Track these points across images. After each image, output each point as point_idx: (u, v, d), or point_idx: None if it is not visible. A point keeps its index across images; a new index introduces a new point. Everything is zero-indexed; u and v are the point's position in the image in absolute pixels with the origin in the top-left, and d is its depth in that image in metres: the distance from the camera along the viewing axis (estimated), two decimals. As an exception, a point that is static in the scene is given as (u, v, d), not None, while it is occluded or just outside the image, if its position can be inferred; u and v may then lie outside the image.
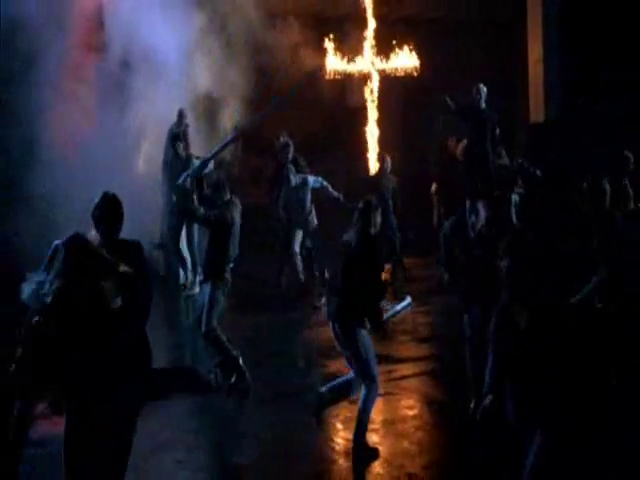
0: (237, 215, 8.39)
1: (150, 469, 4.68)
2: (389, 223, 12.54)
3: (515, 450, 6.31)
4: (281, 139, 12.66)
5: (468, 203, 7.72)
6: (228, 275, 8.44)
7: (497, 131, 12.39)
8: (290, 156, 12.01)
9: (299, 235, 12.10)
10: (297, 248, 12.07)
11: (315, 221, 12.07)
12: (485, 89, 12.40)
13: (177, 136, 12.05)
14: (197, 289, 11.52)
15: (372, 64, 15.00)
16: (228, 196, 8.40)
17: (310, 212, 12.05)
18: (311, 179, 12.04)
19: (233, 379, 8.38)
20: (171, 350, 9.65)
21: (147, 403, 5.59)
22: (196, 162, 11.89)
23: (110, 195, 5.84)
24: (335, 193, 12.16)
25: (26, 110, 12.03)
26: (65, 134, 12.38)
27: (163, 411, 7.33)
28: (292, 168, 12.03)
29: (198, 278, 11.63)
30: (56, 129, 12.28)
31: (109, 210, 5.78)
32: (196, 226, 11.82)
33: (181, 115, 12.96)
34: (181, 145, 12.03)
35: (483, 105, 12.40)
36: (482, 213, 7.33)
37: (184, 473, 6.47)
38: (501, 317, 5.18)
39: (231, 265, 8.46)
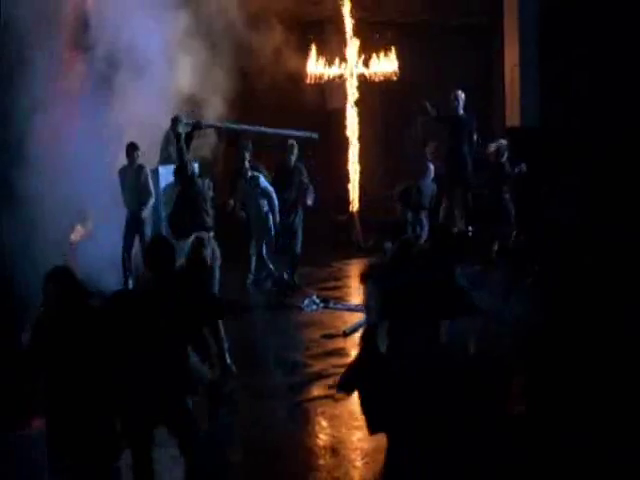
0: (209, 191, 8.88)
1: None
2: None
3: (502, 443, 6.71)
4: (289, 142, 12.62)
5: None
6: (217, 249, 8.77)
7: (475, 136, 12.71)
8: (294, 159, 12.18)
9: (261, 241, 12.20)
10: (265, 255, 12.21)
11: (272, 231, 12.09)
12: (463, 95, 12.70)
13: (134, 145, 12.13)
14: None
15: (352, 68, 15.18)
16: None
17: (266, 218, 12.08)
18: (263, 181, 12.07)
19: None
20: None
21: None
22: (148, 170, 12.16)
23: (159, 239, 5.87)
24: (275, 213, 12.16)
25: (15, 110, 12.20)
26: (53, 133, 12.50)
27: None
28: (247, 163, 12.11)
29: None
30: (44, 128, 12.42)
31: (161, 255, 5.69)
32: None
33: (176, 121, 13.18)
34: (138, 153, 12.11)
35: (461, 111, 12.70)
36: (389, 253, 7.35)
37: (180, 467, 6.68)
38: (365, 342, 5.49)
39: (212, 234, 8.74)
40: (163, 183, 12.43)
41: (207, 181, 9.73)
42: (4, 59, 12.44)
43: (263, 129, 13.10)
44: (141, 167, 12.13)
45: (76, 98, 12.87)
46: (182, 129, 9.58)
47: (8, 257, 11.40)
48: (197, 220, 8.71)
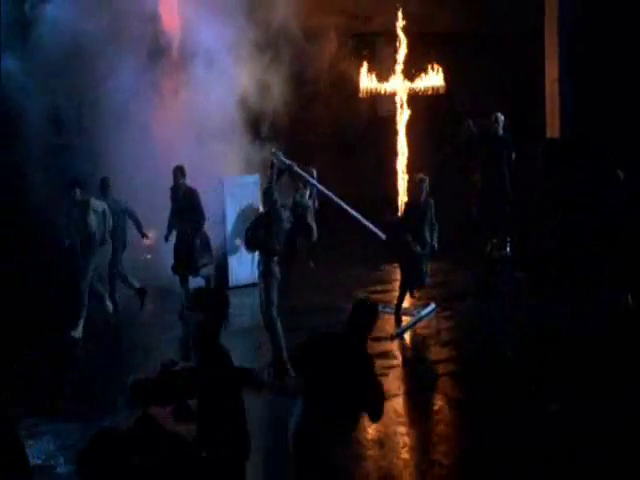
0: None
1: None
2: None
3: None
4: (418, 175, 11.90)
5: None
6: (276, 270, 9.77)
7: (513, 156, 13.66)
8: (425, 192, 11.56)
9: None
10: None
11: None
12: (502, 117, 13.63)
13: (76, 181, 11.76)
14: (79, 333, 11.54)
15: (401, 80, 15.94)
16: None
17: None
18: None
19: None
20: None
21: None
22: (97, 203, 11.77)
23: (367, 303, 6.06)
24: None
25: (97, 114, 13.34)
26: (133, 138, 13.45)
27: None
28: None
29: (81, 324, 11.58)
30: (126, 133, 13.44)
31: (364, 319, 5.94)
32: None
33: (275, 154, 13.86)
34: (78, 191, 11.63)
35: (501, 132, 13.69)
36: None
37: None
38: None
39: (276, 258, 9.81)
40: (228, 195, 13.22)
41: (288, 214, 10.47)
42: (80, 75, 13.56)
43: (344, 205, 13.65)
44: (85, 202, 11.73)
45: (153, 100, 13.87)
46: (276, 161, 11.24)
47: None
48: (268, 244, 9.80)
